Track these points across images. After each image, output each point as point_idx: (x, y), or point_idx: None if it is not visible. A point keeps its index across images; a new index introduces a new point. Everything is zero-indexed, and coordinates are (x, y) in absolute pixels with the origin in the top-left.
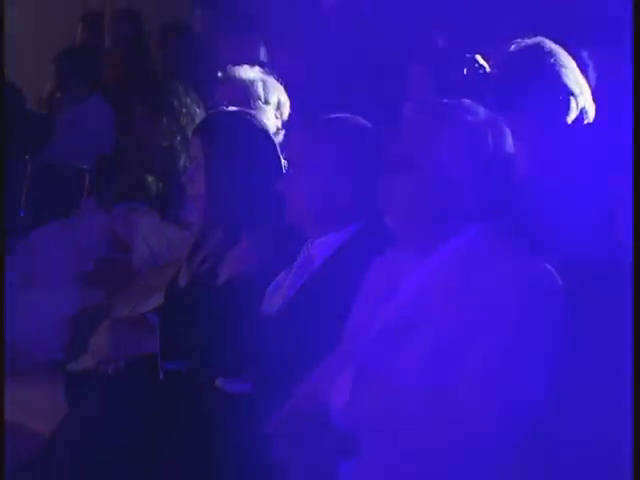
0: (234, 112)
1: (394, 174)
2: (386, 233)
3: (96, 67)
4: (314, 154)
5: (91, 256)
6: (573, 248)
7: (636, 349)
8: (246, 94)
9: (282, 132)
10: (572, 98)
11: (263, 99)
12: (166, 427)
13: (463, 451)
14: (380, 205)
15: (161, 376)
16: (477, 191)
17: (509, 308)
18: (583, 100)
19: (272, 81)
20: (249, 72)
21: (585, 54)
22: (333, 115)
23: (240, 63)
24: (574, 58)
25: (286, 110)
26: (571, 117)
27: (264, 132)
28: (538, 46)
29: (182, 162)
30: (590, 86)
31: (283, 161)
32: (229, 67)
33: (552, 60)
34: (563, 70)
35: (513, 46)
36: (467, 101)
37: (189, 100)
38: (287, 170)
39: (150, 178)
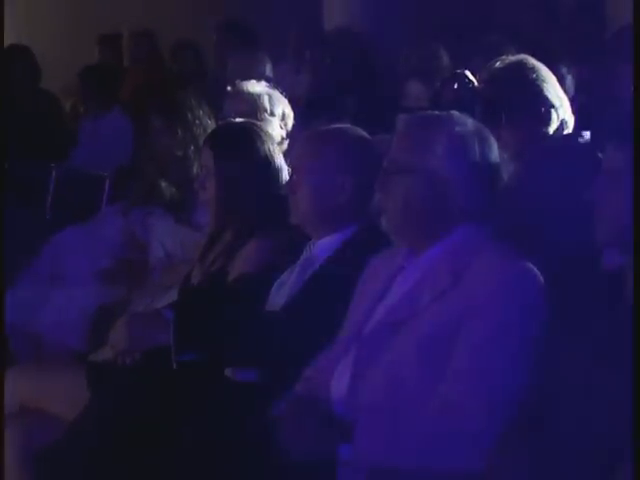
0: (242, 123)
1: (389, 179)
2: (382, 234)
3: (114, 83)
4: (316, 161)
5: (111, 256)
6: (553, 249)
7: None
8: (253, 107)
9: (286, 141)
10: (553, 110)
11: (269, 111)
12: (179, 413)
13: (451, 434)
14: (376, 208)
15: (174, 367)
16: (465, 195)
17: (494, 304)
18: (563, 112)
19: (277, 94)
20: (256, 86)
21: (564, 70)
22: (334, 126)
23: (248, 78)
24: (554, 73)
25: (290, 121)
26: (552, 127)
27: (270, 142)
28: (521, 63)
29: (195, 170)
30: (569, 99)
31: (287, 168)
32: (237, 82)
33: (534, 75)
34: (544, 85)
35: (498, 63)
36: (456, 113)
37: (201, 112)
38: (291, 176)
39: (165, 184)
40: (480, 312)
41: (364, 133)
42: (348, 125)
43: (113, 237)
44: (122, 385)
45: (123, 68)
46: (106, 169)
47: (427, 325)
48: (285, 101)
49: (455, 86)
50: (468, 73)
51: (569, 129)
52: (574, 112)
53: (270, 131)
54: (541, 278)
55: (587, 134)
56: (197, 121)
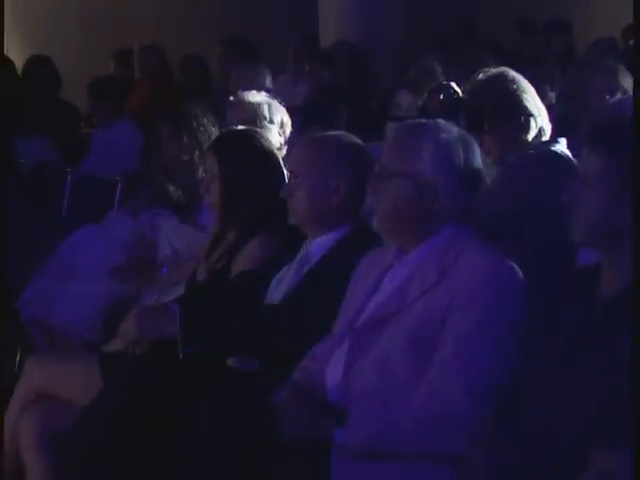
0: (244, 130)
1: (380, 183)
2: (373, 234)
3: (121, 95)
4: (312, 166)
5: (122, 254)
6: (532, 247)
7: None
8: (254, 115)
9: (285, 147)
10: (532, 119)
11: (268, 119)
12: (185, 400)
13: (436, 419)
14: (368, 210)
15: (181, 357)
16: (451, 197)
17: (477, 298)
18: (541, 120)
19: (276, 104)
20: (256, 96)
21: (543, 82)
22: (329, 133)
23: (249, 89)
24: (532, 84)
25: (288, 129)
26: (531, 135)
27: (269, 148)
28: (502, 75)
29: (199, 173)
30: (546, 108)
31: (286, 172)
32: (239, 92)
33: (514, 86)
34: (523, 95)
35: (481, 75)
36: (442, 121)
37: (205, 120)
38: (289, 180)
39: (172, 188)
40: (464, 306)
41: (357, 140)
42: (342, 132)
43: (124, 236)
44: (132, 373)
45: (134, 80)
46: (117, 174)
47: (415, 318)
48: (283, 110)
49: (441, 96)
50: (453, 84)
51: (547, 136)
52: (551, 120)
53: (270, 138)
54: (521, 275)
55: (563, 141)
56: (201, 128)
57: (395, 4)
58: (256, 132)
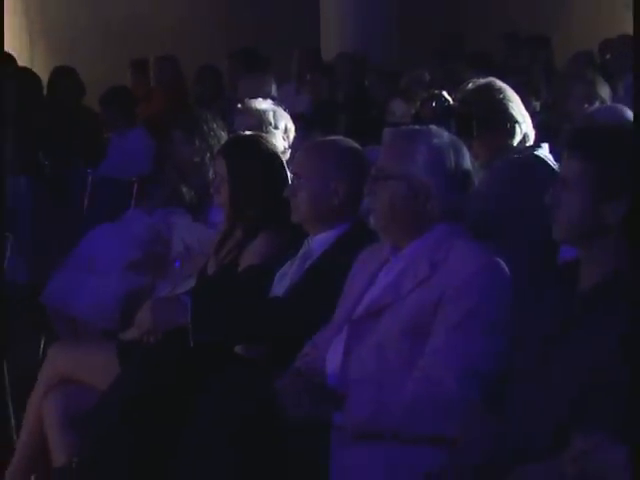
0: (250, 135)
1: (377, 184)
2: (370, 232)
3: (131, 105)
4: (314, 169)
5: (138, 249)
6: (517, 244)
7: None
8: (260, 121)
9: (288, 151)
10: (517, 125)
11: (273, 125)
12: (195, 386)
13: (428, 403)
14: (365, 209)
15: (192, 345)
16: (442, 198)
17: (466, 291)
18: (525, 127)
19: (281, 111)
20: (262, 104)
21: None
22: (329, 138)
23: (256, 97)
24: (518, 94)
25: (292, 134)
26: (516, 140)
27: (274, 151)
28: (490, 85)
29: (210, 175)
30: (530, 116)
31: (289, 174)
32: (247, 100)
33: (501, 96)
34: (509, 103)
35: (470, 84)
36: (434, 127)
37: (215, 125)
38: (292, 181)
39: (185, 189)
40: (454, 298)
41: (355, 144)
42: (341, 138)
43: (140, 233)
44: (147, 360)
45: (150, 88)
46: (133, 175)
47: (409, 309)
48: (287, 116)
49: (433, 104)
50: (445, 93)
51: (531, 142)
52: (535, 127)
53: (274, 142)
54: (507, 269)
55: (546, 146)
56: (212, 132)
57: (390, 21)
58: (262, 137)
